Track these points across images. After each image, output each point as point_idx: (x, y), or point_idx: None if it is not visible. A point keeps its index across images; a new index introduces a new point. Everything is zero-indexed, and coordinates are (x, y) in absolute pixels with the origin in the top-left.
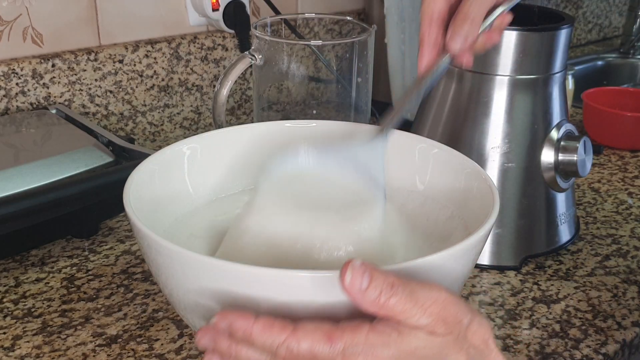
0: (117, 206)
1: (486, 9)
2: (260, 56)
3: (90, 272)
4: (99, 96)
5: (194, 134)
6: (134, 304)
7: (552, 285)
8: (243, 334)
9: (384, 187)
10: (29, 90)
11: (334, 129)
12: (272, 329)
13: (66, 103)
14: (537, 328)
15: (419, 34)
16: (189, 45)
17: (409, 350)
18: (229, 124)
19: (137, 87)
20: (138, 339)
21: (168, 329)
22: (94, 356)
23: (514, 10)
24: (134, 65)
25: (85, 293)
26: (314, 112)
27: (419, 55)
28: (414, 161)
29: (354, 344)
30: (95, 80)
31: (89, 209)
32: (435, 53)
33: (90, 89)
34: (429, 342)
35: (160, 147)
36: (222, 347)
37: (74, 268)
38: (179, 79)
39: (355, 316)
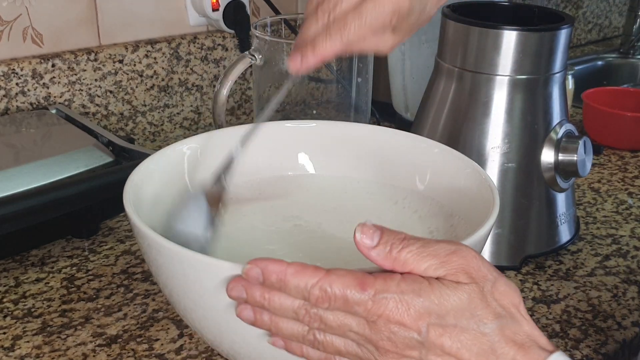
0: (117, 206)
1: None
2: (260, 56)
3: (90, 272)
4: (98, 96)
5: (194, 134)
6: (134, 304)
7: (552, 285)
8: (277, 277)
9: None
10: (29, 90)
11: (334, 129)
12: (306, 272)
13: (66, 103)
14: None
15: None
16: (189, 45)
17: (438, 301)
18: (229, 124)
19: (137, 87)
20: (138, 339)
21: (168, 329)
22: (93, 356)
23: (514, 10)
24: (134, 65)
25: (85, 293)
26: (314, 112)
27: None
28: (414, 161)
29: (385, 290)
30: (95, 80)
31: (89, 209)
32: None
33: (90, 89)
34: (457, 292)
35: (160, 147)
36: (255, 296)
37: (74, 268)
38: (179, 79)
39: None
